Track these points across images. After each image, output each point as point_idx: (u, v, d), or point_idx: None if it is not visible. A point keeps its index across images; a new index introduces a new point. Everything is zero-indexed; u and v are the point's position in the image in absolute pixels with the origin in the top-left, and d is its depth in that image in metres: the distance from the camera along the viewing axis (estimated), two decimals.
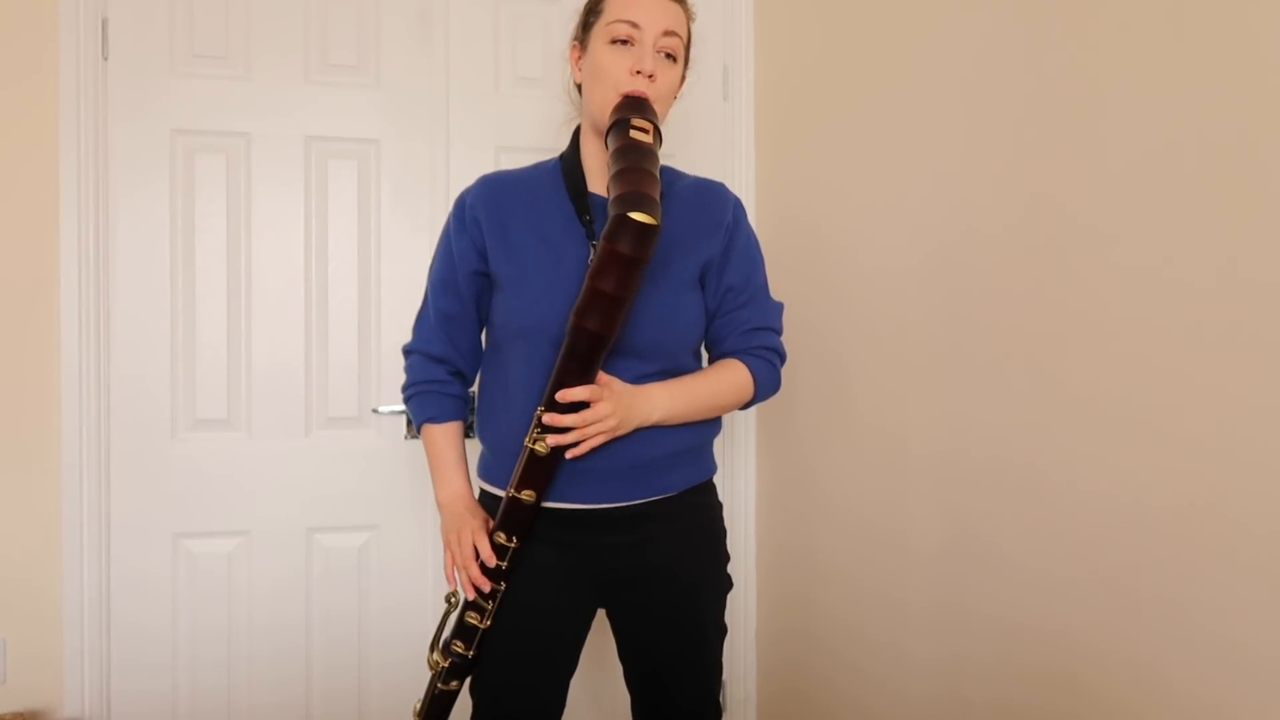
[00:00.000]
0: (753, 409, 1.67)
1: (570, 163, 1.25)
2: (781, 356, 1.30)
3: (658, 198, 1.03)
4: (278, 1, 1.80)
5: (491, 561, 1.16)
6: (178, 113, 1.76)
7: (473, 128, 1.90)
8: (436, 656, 1.24)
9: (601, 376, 1.12)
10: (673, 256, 1.19)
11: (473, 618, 1.20)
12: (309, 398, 1.83)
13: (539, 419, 1.10)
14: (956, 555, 1.41)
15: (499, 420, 1.22)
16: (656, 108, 1.15)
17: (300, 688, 1.85)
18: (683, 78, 1.24)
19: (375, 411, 1.85)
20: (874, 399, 1.61)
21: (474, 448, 1.28)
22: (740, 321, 1.26)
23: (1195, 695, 1.01)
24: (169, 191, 1.76)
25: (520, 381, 1.18)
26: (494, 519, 1.20)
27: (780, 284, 1.41)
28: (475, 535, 1.18)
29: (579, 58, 1.24)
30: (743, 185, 2.01)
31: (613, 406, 1.11)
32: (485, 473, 1.26)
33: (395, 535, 1.88)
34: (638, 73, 1.14)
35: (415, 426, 1.31)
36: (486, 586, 1.17)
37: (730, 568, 1.33)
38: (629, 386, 1.15)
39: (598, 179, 1.23)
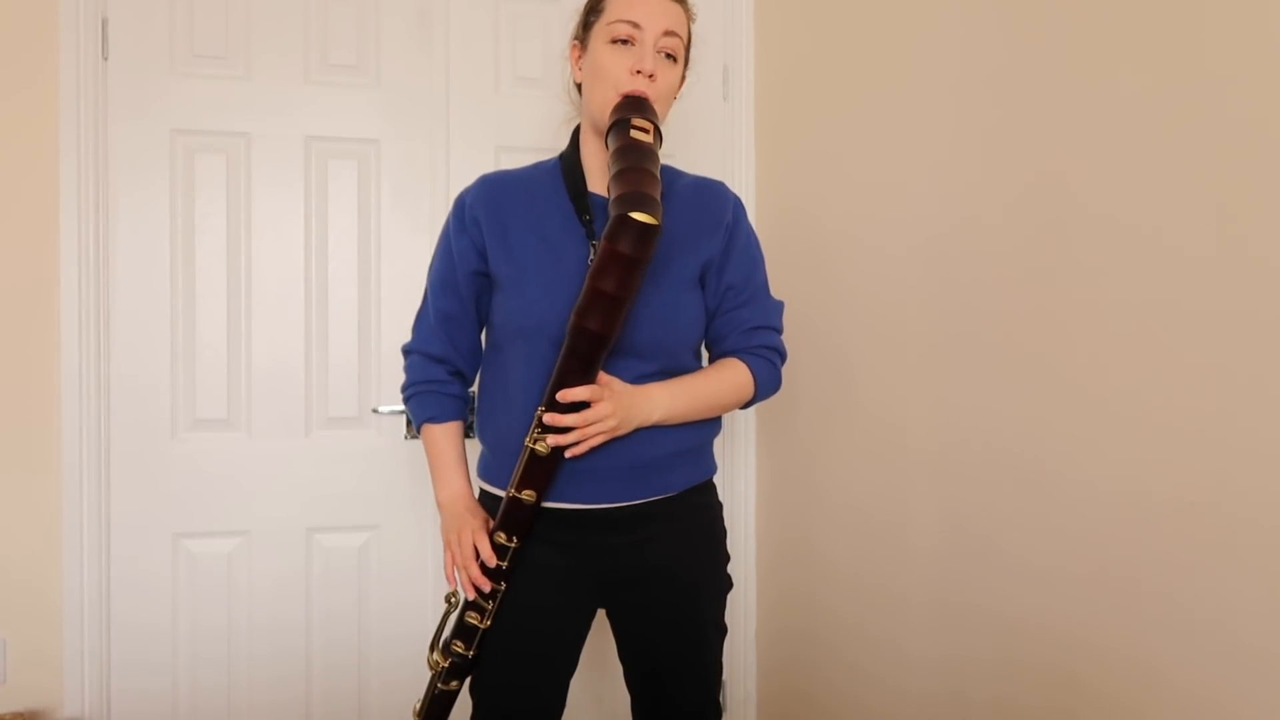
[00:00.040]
0: (753, 408, 1.67)
1: (570, 162, 1.25)
2: (782, 355, 1.30)
3: (659, 198, 1.03)
4: (278, 1, 1.80)
5: (492, 561, 1.16)
6: (178, 113, 1.76)
7: (473, 128, 1.90)
8: (436, 656, 1.24)
9: (602, 376, 1.12)
10: (673, 256, 1.19)
11: (473, 618, 1.20)
12: (309, 398, 1.83)
13: (540, 419, 1.10)
14: (956, 552, 1.41)
15: (499, 420, 1.22)
16: (656, 108, 1.15)
17: (300, 687, 1.85)
18: (683, 78, 1.24)
19: (375, 411, 1.85)
20: (874, 397, 1.61)
21: (474, 448, 1.28)
22: (740, 320, 1.26)
23: (1195, 693, 1.01)
24: (169, 191, 1.76)
25: (520, 381, 1.18)
26: (494, 519, 1.20)
27: (780, 283, 1.41)
28: (475, 535, 1.18)
29: (579, 57, 1.24)
30: (743, 185, 2.01)
31: (613, 406, 1.11)
32: (485, 473, 1.26)
33: (395, 535, 1.88)
34: (638, 72, 1.14)
35: (415, 426, 1.31)
36: (487, 586, 1.17)
37: (730, 567, 1.33)
38: (629, 386, 1.15)
39: (597, 179, 1.23)
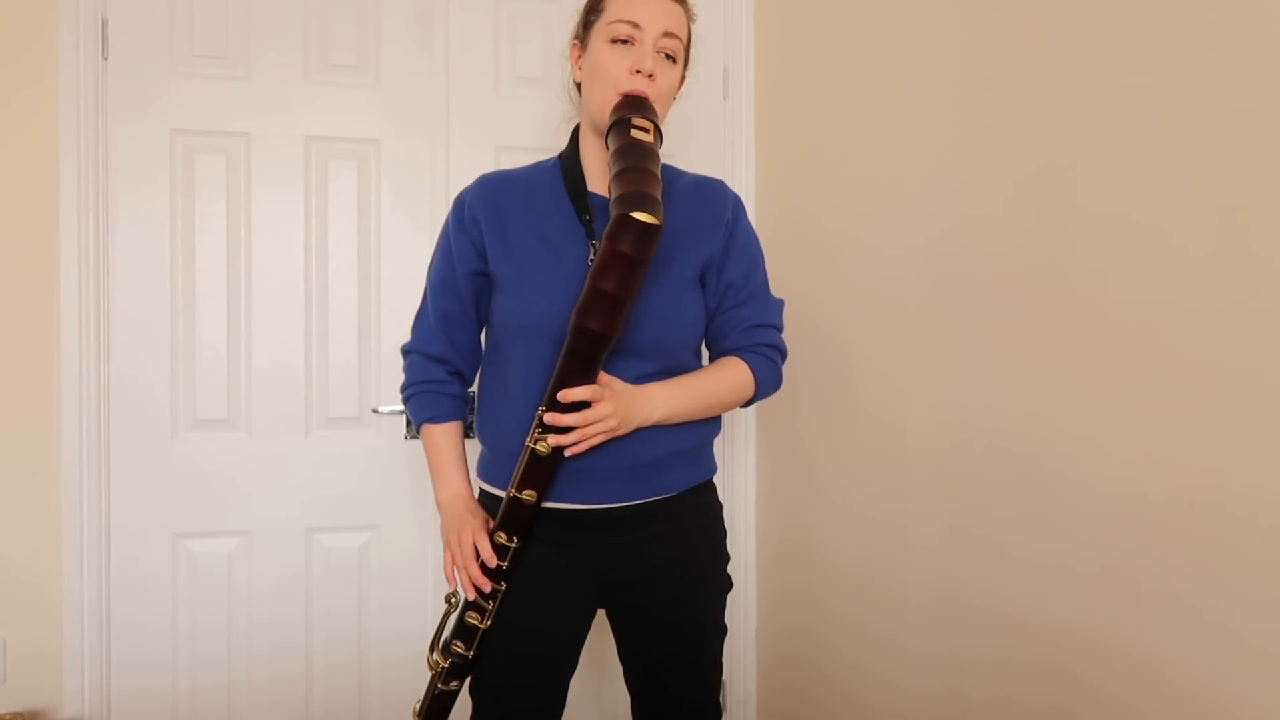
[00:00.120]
0: (753, 407, 1.67)
1: (570, 162, 1.25)
2: (782, 354, 1.30)
3: (659, 197, 1.03)
4: (278, 1, 1.80)
5: (492, 561, 1.16)
6: (178, 113, 1.76)
7: (473, 128, 1.90)
8: (436, 657, 1.24)
9: (602, 376, 1.12)
10: (673, 255, 1.19)
11: (473, 618, 1.20)
12: (309, 398, 1.83)
13: (540, 419, 1.10)
14: (956, 552, 1.41)
15: (499, 420, 1.22)
16: (656, 107, 1.15)
17: (300, 687, 1.85)
18: (682, 78, 1.24)
19: (375, 411, 1.85)
20: (874, 396, 1.61)
21: (473, 448, 1.28)
22: (741, 319, 1.26)
23: (1195, 692, 1.01)
24: (169, 191, 1.76)
25: (521, 381, 1.18)
26: (494, 519, 1.20)
27: (780, 282, 1.41)
28: (475, 535, 1.18)
29: (579, 57, 1.24)
30: (743, 184, 2.01)
31: (614, 406, 1.11)
32: (485, 473, 1.26)
33: (395, 535, 1.88)
34: (637, 72, 1.14)
35: (414, 427, 1.31)
36: (487, 586, 1.17)
37: (730, 567, 1.33)
38: (630, 386, 1.15)
39: (597, 178, 1.23)
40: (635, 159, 1.05)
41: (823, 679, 1.78)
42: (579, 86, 1.26)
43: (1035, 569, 1.24)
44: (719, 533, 1.32)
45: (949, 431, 1.42)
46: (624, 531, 1.21)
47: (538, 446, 1.11)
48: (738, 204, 1.29)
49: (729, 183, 1.38)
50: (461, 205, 1.25)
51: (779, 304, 1.31)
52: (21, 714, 1.69)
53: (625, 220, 0.99)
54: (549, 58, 1.93)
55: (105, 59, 1.72)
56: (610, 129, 1.12)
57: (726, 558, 1.32)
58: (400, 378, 1.31)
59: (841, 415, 1.71)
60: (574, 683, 1.28)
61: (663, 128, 1.16)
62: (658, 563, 1.23)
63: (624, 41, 1.16)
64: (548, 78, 1.92)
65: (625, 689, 1.32)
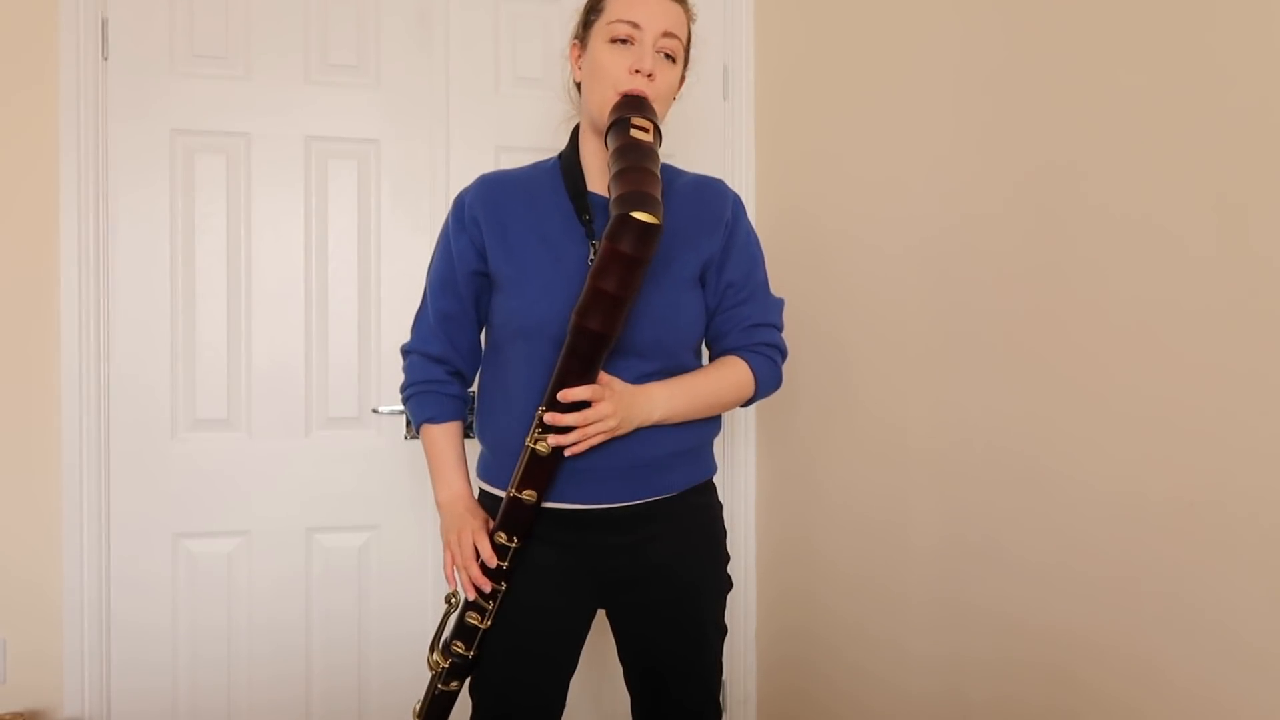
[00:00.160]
0: (753, 406, 1.67)
1: (569, 162, 1.25)
2: (782, 353, 1.30)
3: (659, 197, 1.03)
4: (278, 1, 1.80)
5: (492, 562, 1.16)
6: (178, 113, 1.76)
7: (473, 128, 1.90)
8: (437, 657, 1.24)
9: (602, 376, 1.12)
10: (673, 254, 1.19)
11: (473, 618, 1.20)
12: (309, 398, 1.83)
13: (540, 418, 1.10)
14: (956, 552, 1.41)
15: (499, 420, 1.22)
16: (655, 107, 1.15)
17: (300, 687, 1.85)
18: (682, 79, 1.24)
19: (375, 411, 1.85)
20: (874, 396, 1.61)
21: (473, 448, 1.28)
22: (741, 318, 1.26)
23: (1195, 692, 1.01)
24: (169, 191, 1.76)
25: (521, 381, 1.18)
26: (494, 519, 1.20)
27: (780, 282, 1.41)
28: (475, 535, 1.18)
29: (579, 56, 1.24)
30: (743, 184, 2.01)
31: (614, 406, 1.11)
32: (485, 473, 1.26)
33: (395, 535, 1.88)
34: (636, 72, 1.14)
35: (414, 427, 1.31)
36: (487, 587, 1.17)
37: (730, 567, 1.33)
38: (630, 386, 1.15)
39: (597, 178, 1.23)
40: (635, 158, 1.05)
41: (823, 679, 1.78)
42: (579, 86, 1.25)
43: (1035, 569, 1.24)
44: (719, 533, 1.31)
45: (949, 431, 1.42)
46: (624, 531, 1.21)
47: (538, 446, 1.11)
48: (737, 203, 1.29)
49: (729, 183, 1.38)
50: (461, 205, 1.25)
51: (779, 303, 1.31)
52: (21, 714, 1.69)
53: (625, 220, 0.99)
54: (549, 58, 1.93)
55: (105, 59, 1.72)
56: (609, 128, 1.12)
57: (726, 558, 1.32)
58: (400, 378, 1.31)
59: (841, 415, 1.71)
60: (574, 683, 1.28)
61: (662, 127, 1.16)
62: (658, 563, 1.23)
63: (623, 41, 1.16)
64: (548, 78, 1.92)
65: (625, 689, 1.32)
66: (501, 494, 1.18)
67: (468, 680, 1.26)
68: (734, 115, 2.03)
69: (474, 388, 1.32)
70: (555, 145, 1.34)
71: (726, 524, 1.34)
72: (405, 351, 1.31)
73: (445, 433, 1.28)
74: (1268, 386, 0.93)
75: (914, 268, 1.50)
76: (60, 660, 1.71)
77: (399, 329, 1.72)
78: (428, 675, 1.49)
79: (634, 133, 1.09)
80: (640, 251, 1.01)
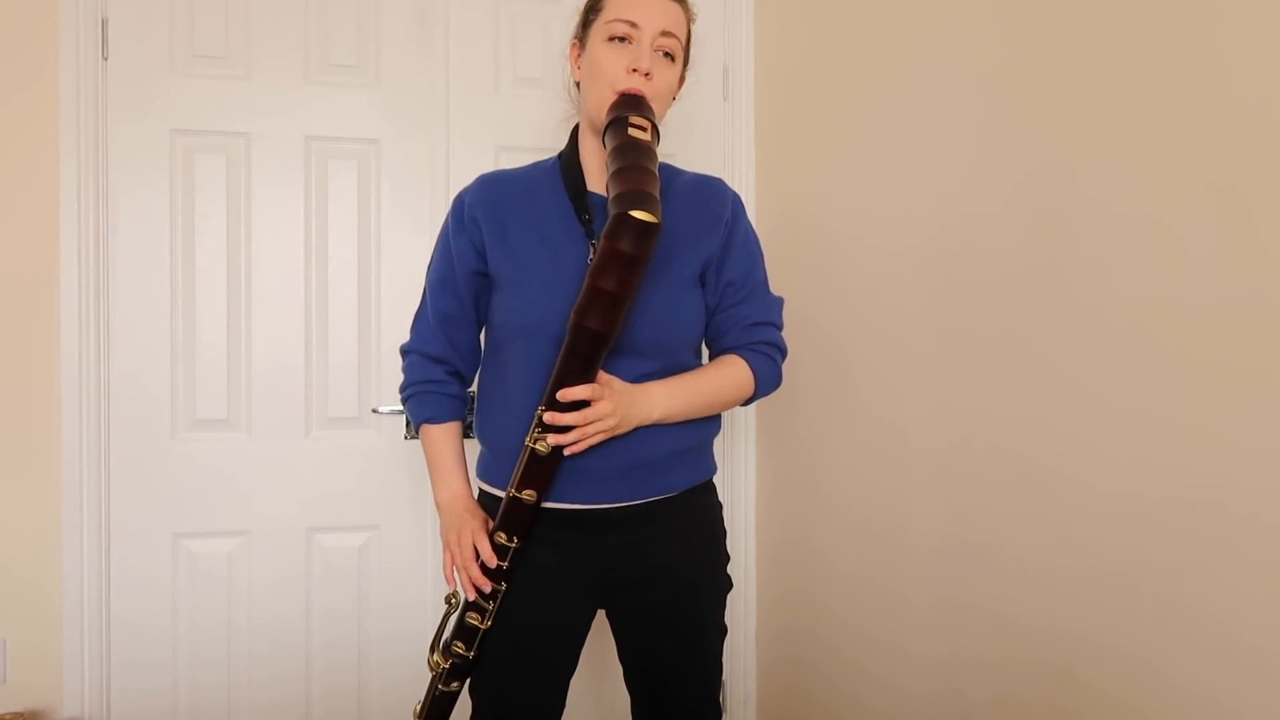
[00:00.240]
0: (753, 406, 1.67)
1: (569, 161, 1.25)
2: (782, 352, 1.30)
3: (658, 195, 1.03)
4: (278, 1, 1.80)
5: (492, 562, 1.16)
6: (178, 113, 1.76)
7: (473, 128, 1.90)
8: (437, 658, 1.24)
9: (602, 375, 1.12)
10: (673, 253, 1.19)
11: (473, 618, 1.20)
12: (309, 398, 1.83)
13: (540, 418, 1.10)
14: (956, 552, 1.41)
15: (498, 420, 1.22)
16: (654, 106, 1.15)
17: (300, 687, 1.85)
18: (681, 78, 1.24)
19: (375, 411, 1.85)
20: (874, 396, 1.61)
21: (473, 448, 1.28)
22: (740, 317, 1.26)
23: (1196, 692, 1.01)
24: (169, 191, 1.76)
25: (520, 381, 1.18)
26: (493, 519, 1.20)
27: (780, 282, 1.41)
28: (475, 535, 1.18)
29: (578, 56, 1.24)
30: (743, 185, 2.01)
31: (613, 405, 1.11)
32: (484, 473, 1.26)
33: (395, 535, 1.88)
34: (634, 70, 1.14)
35: (414, 427, 1.31)
36: (487, 587, 1.17)
37: (730, 567, 1.33)
38: (629, 385, 1.15)
39: (596, 178, 1.23)
40: (633, 157, 1.05)
41: (823, 679, 1.78)
42: (579, 86, 1.25)
43: (1035, 569, 1.24)
44: (719, 533, 1.31)
45: (949, 431, 1.42)
46: (624, 531, 1.21)
47: (537, 446, 1.11)
48: (737, 202, 1.29)
49: (729, 182, 1.38)
50: (461, 205, 1.25)
51: (779, 302, 1.31)
52: (21, 714, 1.69)
53: (624, 219, 0.99)
54: (549, 58, 1.93)
55: (105, 59, 1.72)
56: (607, 127, 1.12)
57: (726, 558, 1.32)
58: (400, 378, 1.31)
59: (841, 415, 1.71)
60: (574, 683, 1.28)
61: (661, 127, 1.16)
62: (658, 563, 1.23)
63: (622, 40, 1.16)
64: (548, 78, 1.92)
65: (625, 689, 1.32)
66: (501, 494, 1.18)
67: (468, 681, 1.25)
68: (734, 115, 2.03)
69: (473, 388, 1.32)
70: (555, 145, 1.34)
71: (726, 524, 1.34)
72: (405, 351, 1.31)
73: (445, 433, 1.28)
74: (1268, 386, 0.93)
75: (914, 268, 1.49)
76: (60, 660, 1.71)
77: (399, 329, 1.72)
78: (428, 675, 1.49)
79: (632, 131, 1.08)
80: (639, 250, 1.01)
